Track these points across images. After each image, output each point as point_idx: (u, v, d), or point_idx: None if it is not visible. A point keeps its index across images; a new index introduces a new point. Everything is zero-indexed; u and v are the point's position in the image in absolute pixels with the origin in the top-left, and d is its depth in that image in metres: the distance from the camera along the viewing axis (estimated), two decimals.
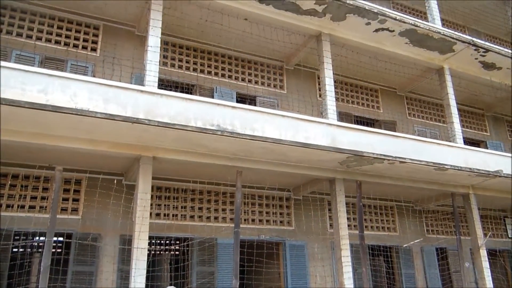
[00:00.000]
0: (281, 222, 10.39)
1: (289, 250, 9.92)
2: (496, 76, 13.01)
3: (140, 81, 8.62)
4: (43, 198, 8.27)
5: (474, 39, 11.66)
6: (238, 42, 10.69)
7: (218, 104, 8.00)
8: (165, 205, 9.27)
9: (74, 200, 8.52)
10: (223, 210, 9.87)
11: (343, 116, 11.63)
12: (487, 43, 12.03)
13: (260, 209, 10.25)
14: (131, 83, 8.51)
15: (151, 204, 8.40)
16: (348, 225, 10.15)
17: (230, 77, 10.90)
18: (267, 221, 10.25)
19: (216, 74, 10.72)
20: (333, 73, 10.19)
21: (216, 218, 9.75)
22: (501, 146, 14.64)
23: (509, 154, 12.03)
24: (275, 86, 11.47)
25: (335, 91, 10.23)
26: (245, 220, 9.96)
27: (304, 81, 11.81)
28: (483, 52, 11.82)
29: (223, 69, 10.88)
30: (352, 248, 9.96)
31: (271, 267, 9.68)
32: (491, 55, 12.01)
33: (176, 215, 9.35)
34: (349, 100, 12.51)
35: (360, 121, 12.16)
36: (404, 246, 11.42)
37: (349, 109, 12.25)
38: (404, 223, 11.98)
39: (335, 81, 10.59)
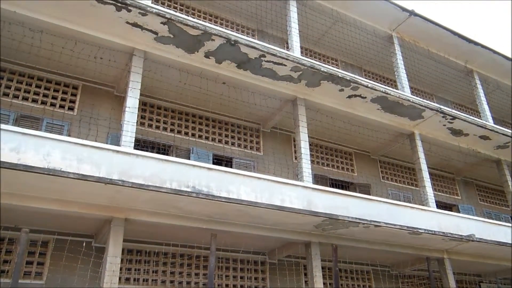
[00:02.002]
0: (256, 287, 10.06)
1: None
2: (464, 142, 13.54)
3: (116, 141, 8.59)
4: (5, 261, 7.84)
5: (442, 106, 12.25)
6: (215, 104, 10.90)
7: (194, 166, 8.01)
8: (135, 269, 8.90)
9: (38, 263, 8.10)
10: (196, 274, 9.53)
11: (318, 179, 11.74)
12: (454, 111, 12.64)
13: (234, 274, 9.95)
14: (106, 143, 8.47)
15: (121, 268, 8.06)
16: None
17: (207, 138, 10.98)
18: (242, 286, 9.92)
19: (193, 135, 10.81)
20: (309, 136, 10.42)
21: (188, 283, 9.38)
22: (472, 210, 14.91)
23: (480, 218, 12.27)
24: (251, 148, 11.60)
25: (310, 154, 10.41)
26: (218, 285, 9.61)
27: (280, 143, 12.00)
28: (451, 119, 12.37)
29: (200, 130, 10.99)
30: None
31: None
32: (458, 122, 12.57)
33: (147, 280, 8.97)
34: (325, 163, 12.70)
35: (335, 184, 12.28)
36: None
37: (324, 172, 12.40)
38: None
39: (310, 144, 10.81)
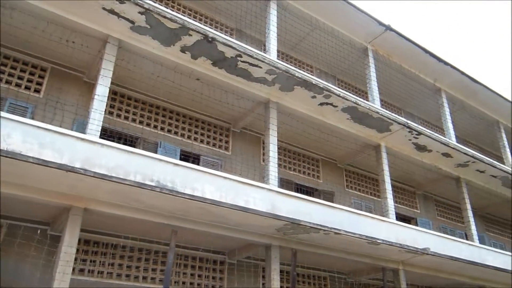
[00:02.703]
0: (213, 286, 10.02)
1: None
2: (427, 158, 13.95)
3: (82, 128, 8.37)
4: None
5: (409, 121, 12.58)
6: (187, 100, 10.81)
7: (160, 160, 7.91)
8: (91, 261, 8.70)
9: None
10: (153, 270, 9.40)
11: (284, 183, 11.82)
12: (420, 127, 12.99)
13: (192, 272, 9.87)
14: (72, 130, 8.23)
15: (76, 258, 7.87)
16: None
17: (176, 133, 10.87)
18: (199, 284, 9.86)
19: (162, 129, 10.66)
20: (278, 140, 10.49)
21: (144, 278, 9.24)
22: (430, 224, 15.36)
23: (436, 232, 12.66)
24: (220, 147, 11.55)
25: (278, 158, 10.47)
26: (175, 282, 9.52)
27: (249, 144, 12.01)
28: (416, 134, 12.72)
29: (169, 124, 10.86)
30: None
31: None
32: (423, 138, 12.94)
33: (102, 272, 8.78)
34: (291, 168, 12.80)
35: (301, 189, 12.40)
36: None
37: (290, 177, 12.50)
38: None
39: (279, 148, 10.88)
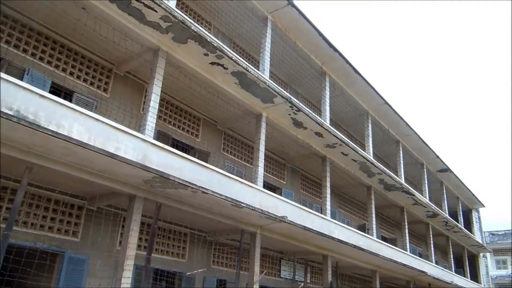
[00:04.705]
0: (66, 231, 9.49)
1: (67, 264, 9.06)
2: (302, 134, 14.81)
3: None
4: None
5: (292, 97, 13.12)
6: (68, 29, 9.79)
7: (25, 88, 7.07)
8: None
9: None
10: None
11: (161, 136, 11.55)
12: (300, 104, 13.64)
13: (44, 213, 9.21)
14: None
15: None
16: (138, 246, 9.96)
17: (49, 63, 9.80)
18: (50, 228, 9.26)
19: (33, 55, 9.52)
20: (162, 91, 10.13)
21: None
22: (292, 195, 16.51)
23: (296, 204, 13.64)
24: (98, 87, 10.76)
25: (159, 109, 10.14)
26: (23, 223, 8.80)
27: (131, 90, 11.41)
28: (296, 110, 13.36)
29: (43, 52, 9.73)
30: (136, 269, 9.72)
31: (40, 280, 8.66)
32: (301, 115, 13.66)
33: None
34: (171, 122, 12.52)
35: (177, 145, 12.26)
36: (188, 274, 11.65)
37: (168, 130, 12.25)
38: (193, 252, 12.29)
39: (161, 99, 10.53)
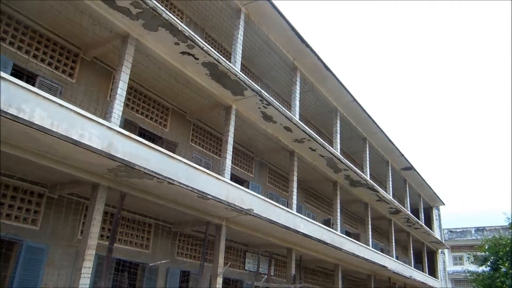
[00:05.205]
0: (25, 219, 9.19)
1: (25, 253, 8.78)
2: (271, 128, 14.86)
3: None
4: None
5: (262, 91, 13.12)
6: (33, 11, 9.44)
7: None
8: None
9: None
10: None
11: (127, 124, 11.33)
12: (271, 98, 13.67)
13: (2, 200, 8.88)
14: None
15: None
16: (101, 235, 9.79)
17: (12, 44, 9.42)
18: (8, 215, 8.95)
19: None
20: (130, 79, 9.93)
21: None
22: (259, 189, 16.58)
23: (262, 197, 13.71)
24: (64, 72, 10.41)
25: (127, 97, 9.95)
26: None
27: (98, 77, 11.11)
28: (266, 104, 13.38)
29: (5, 32, 9.34)
30: (98, 260, 9.54)
31: None
32: (271, 109, 13.69)
33: None
34: (139, 111, 12.29)
35: (144, 134, 12.06)
36: (151, 264, 11.53)
37: (136, 119, 12.03)
38: (157, 242, 12.17)
39: (129, 87, 10.32)
